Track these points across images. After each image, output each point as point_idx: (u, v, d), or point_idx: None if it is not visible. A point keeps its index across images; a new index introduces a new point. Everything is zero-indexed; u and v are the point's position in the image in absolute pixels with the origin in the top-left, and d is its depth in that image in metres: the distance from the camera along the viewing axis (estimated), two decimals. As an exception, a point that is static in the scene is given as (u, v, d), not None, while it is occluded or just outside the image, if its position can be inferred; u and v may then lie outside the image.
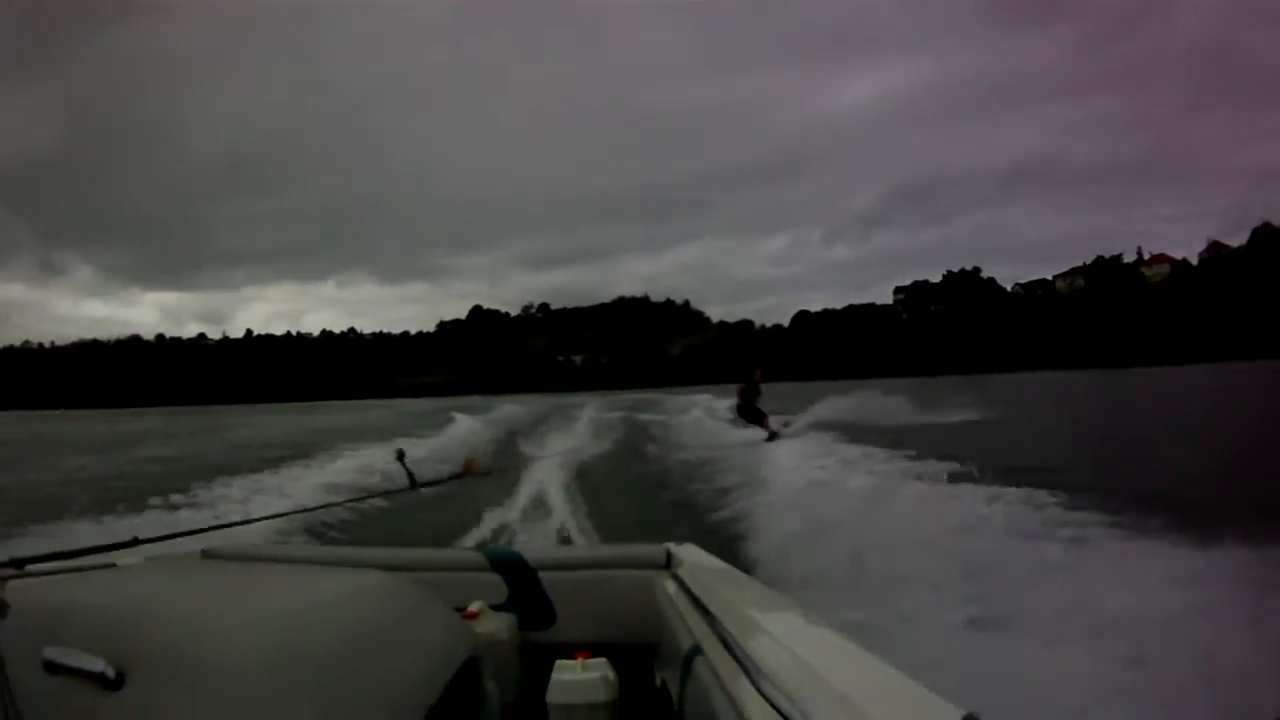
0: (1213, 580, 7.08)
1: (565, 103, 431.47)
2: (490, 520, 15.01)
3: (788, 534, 11.51)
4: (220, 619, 2.22)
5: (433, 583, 3.54)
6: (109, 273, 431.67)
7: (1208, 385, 63.26)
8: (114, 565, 2.68)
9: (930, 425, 26.16)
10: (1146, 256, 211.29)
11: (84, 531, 12.23)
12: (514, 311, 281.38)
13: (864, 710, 2.03)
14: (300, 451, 27.75)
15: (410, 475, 4.73)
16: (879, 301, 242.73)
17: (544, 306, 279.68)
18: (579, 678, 3.48)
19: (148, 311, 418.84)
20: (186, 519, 13.37)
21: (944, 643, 6.43)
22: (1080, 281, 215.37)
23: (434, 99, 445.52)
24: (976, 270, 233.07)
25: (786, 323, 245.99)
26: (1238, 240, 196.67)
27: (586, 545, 12.36)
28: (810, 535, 10.98)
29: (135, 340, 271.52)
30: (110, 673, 1.95)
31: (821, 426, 25.41)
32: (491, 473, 14.32)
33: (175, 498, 16.44)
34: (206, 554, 4.33)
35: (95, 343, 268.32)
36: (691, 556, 4.36)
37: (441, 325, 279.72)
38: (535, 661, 3.83)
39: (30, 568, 2.17)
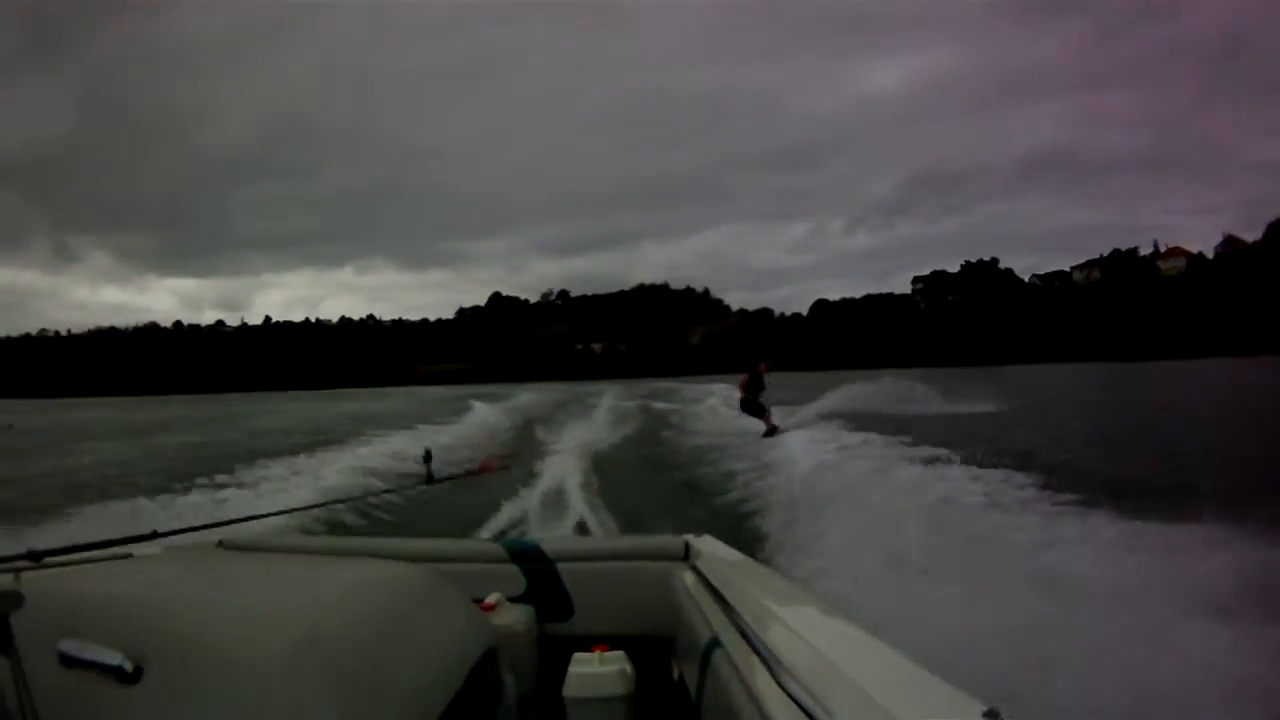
0: (1143, 549, 8.25)
1: (587, 89, 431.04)
2: (508, 510, 14.99)
3: (790, 508, 12.97)
4: (238, 610, 2.24)
5: (451, 574, 3.51)
6: (125, 259, 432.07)
7: (1218, 379, 63.36)
8: (130, 556, 2.70)
9: (929, 416, 26.36)
10: (1162, 250, 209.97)
11: (104, 522, 12.31)
12: (533, 299, 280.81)
13: (884, 705, 2.01)
14: (332, 437, 28.61)
15: (430, 472, 4.76)
16: (897, 291, 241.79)
17: (563, 294, 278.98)
18: (596, 671, 3.51)
19: (165, 298, 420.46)
20: (205, 510, 13.40)
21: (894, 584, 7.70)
22: (1096, 274, 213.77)
23: (454, 84, 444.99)
24: (994, 261, 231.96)
25: (806, 311, 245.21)
26: (1253, 234, 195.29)
27: (605, 537, 12.28)
28: (810, 509, 12.28)
29: (153, 327, 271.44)
30: (128, 666, 1.95)
31: (825, 418, 25.62)
32: (508, 466, 14.31)
33: (220, 478, 17.41)
34: (222, 544, 4.35)
35: (113, 330, 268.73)
36: (710, 548, 4.33)
37: (461, 312, 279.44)
38: (553, 653, 3.86)
39: (47, 560, 2.19)
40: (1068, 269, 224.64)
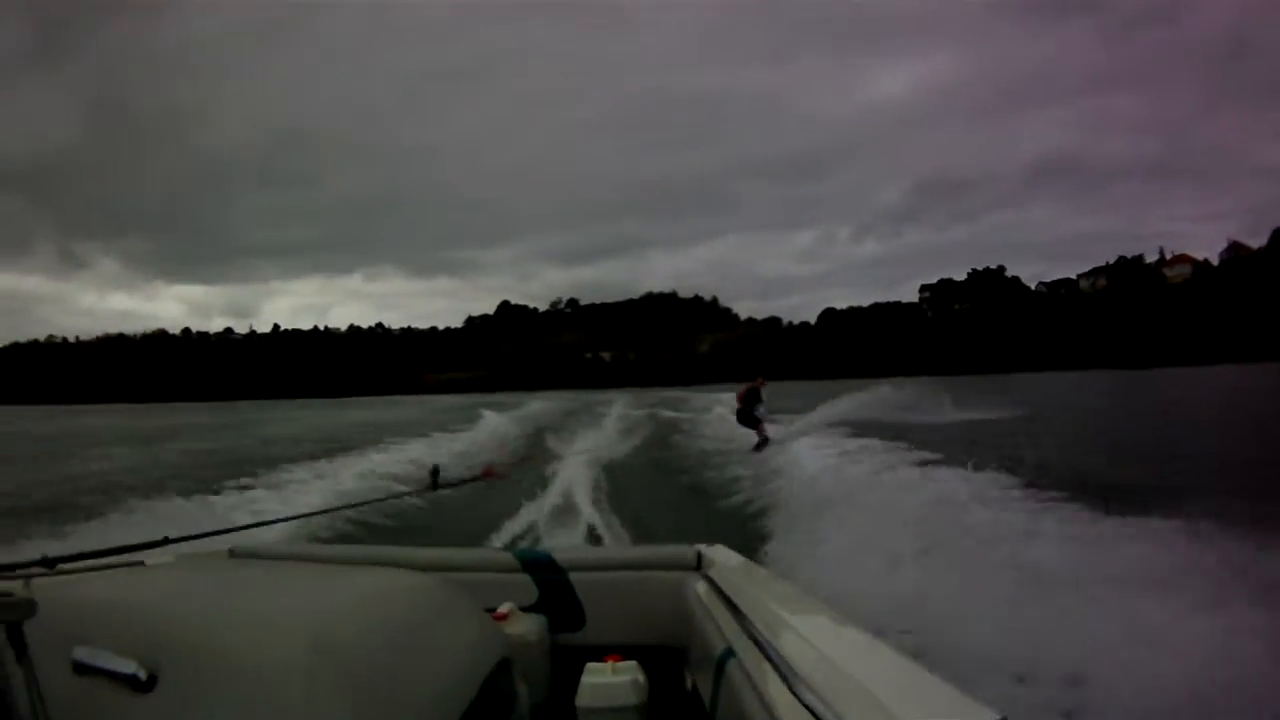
0: (1109, 542, 9.15)
1: (594, 97, 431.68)
2: (519, 520, 14.99)
3: (793, 510, 13.95)
4: (253, 619, 2.23)
5: (462, 583, 3.51)
6: (133, 266, 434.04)
7: (1221, 386, 64.18)
8: (142, 563, 2.69)
9: (929, 424, 26.53)
10: (1168, 257, 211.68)
11: (115, 528, 12.34)
12: (542, 307, 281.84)
13: (899, 714, 2.01)
14: (344, 445, 28.64)
15: (434, 480, 4.76)
16: (905, 300, 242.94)
17: (572, 302, 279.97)
18: (609, 681, 3.48)
19: (173, 305, 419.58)
20: (216, 517, 13.41)
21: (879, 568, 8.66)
22: (1103, 282, 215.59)
23: (461, 92, 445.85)
24: (1001, 269, 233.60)
25: (814, 320, 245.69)
26: (1259, 240, 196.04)
27: (616, 546, 12.27)
28: (812, 508, 13.24)
29: (161, 334, 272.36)
30: (142, 674, 1.94)
31: (819, 428, 25.97)
32: (508, 475, 14.34)
33: (245, 480, 18.06)
34: (233, 553, 4.35)
35: (121, 337, 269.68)
36: (722, 557, 4.32)
37: (470, 320, 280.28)
38: (565, 663, 3.84)
39: (61, 566, 2.18)
40: (1074, 277, 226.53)
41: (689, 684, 3.94)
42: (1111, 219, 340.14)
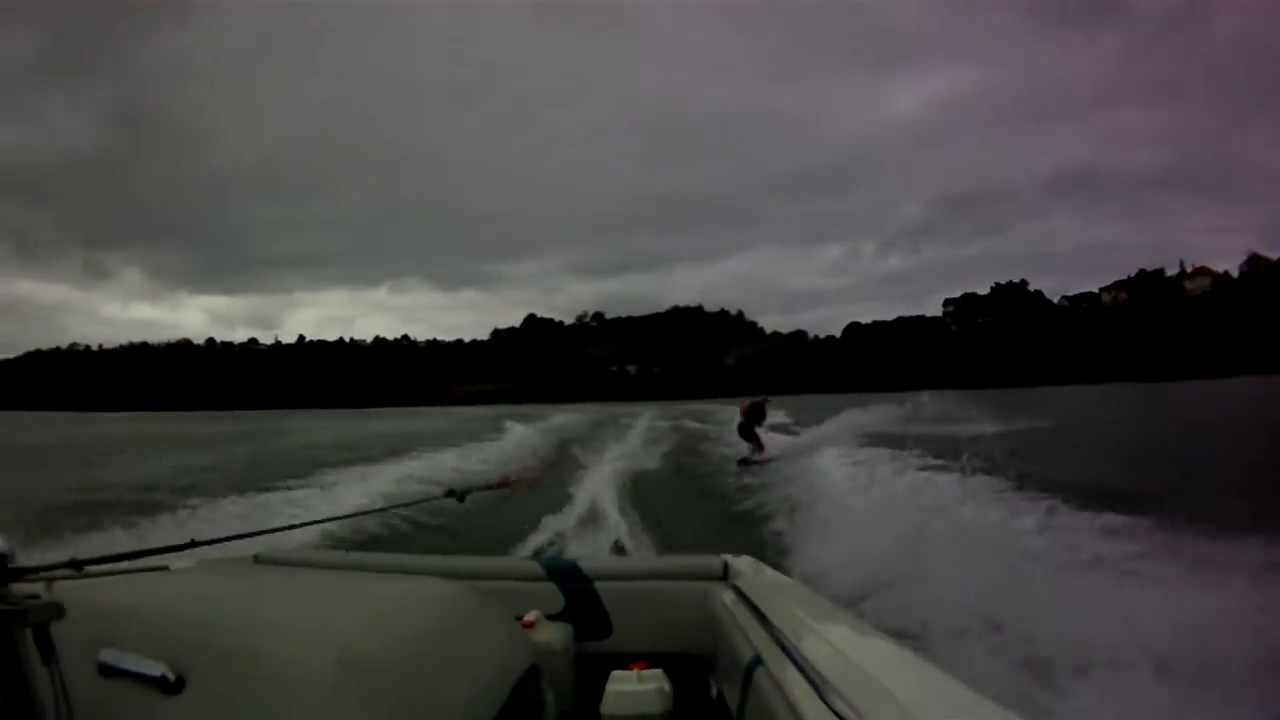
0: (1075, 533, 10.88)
1: (620, 110, 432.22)
2: (545, 529, 15.03)
3: (816, 516, 14.84)
4: (282, 625, 2.23)
5: (489, 591, 3.47)
6: (157, 276, 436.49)
7: (1236, 398, 64.43)
8: (166, 568, 2.71)
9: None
10: (1188, 270, 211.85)
11: (140, 532, 12.45)
12: (568, 320, 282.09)
13: None
14: (374, 454, 29.17)
15: (452, 491, 4.78)
16: (929, 313, 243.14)
17: (598, 315, 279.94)
18: (634, 689, 3.48)
19: (197, 315, 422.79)
20: (240, 522, 13.50)
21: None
22: (1124, 295, 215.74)
23: (488, 105, 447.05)
24: (1024, 283, 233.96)
25: (839, 334, 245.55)
26: (1279, 252, 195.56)
27: (642, 556, 12.32)
28: (820, 509, 15.01)
29: (185, 344, 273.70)
30: (170, 676, 1.94)
31: (832, 441, 26.10)
32: (528, 484, 14.38)
33: (293, 482, 19.05)
34: (258, 559, 4.37)
35: (145, 345, 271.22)
36: (748, 568, 4.33)
37: (496, 333, 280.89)
38: (590, 672, 3.83)
39: (88, 569, 2.17)
40: (1096, 290, 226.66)
41: (714, 692, 3.93)
42: (1133, 230, 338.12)
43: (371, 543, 12.83)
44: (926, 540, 10.57)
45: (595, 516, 16.31)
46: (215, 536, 3.21)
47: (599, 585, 4.29)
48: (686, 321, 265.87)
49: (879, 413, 30.58)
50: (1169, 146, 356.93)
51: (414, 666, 2.27)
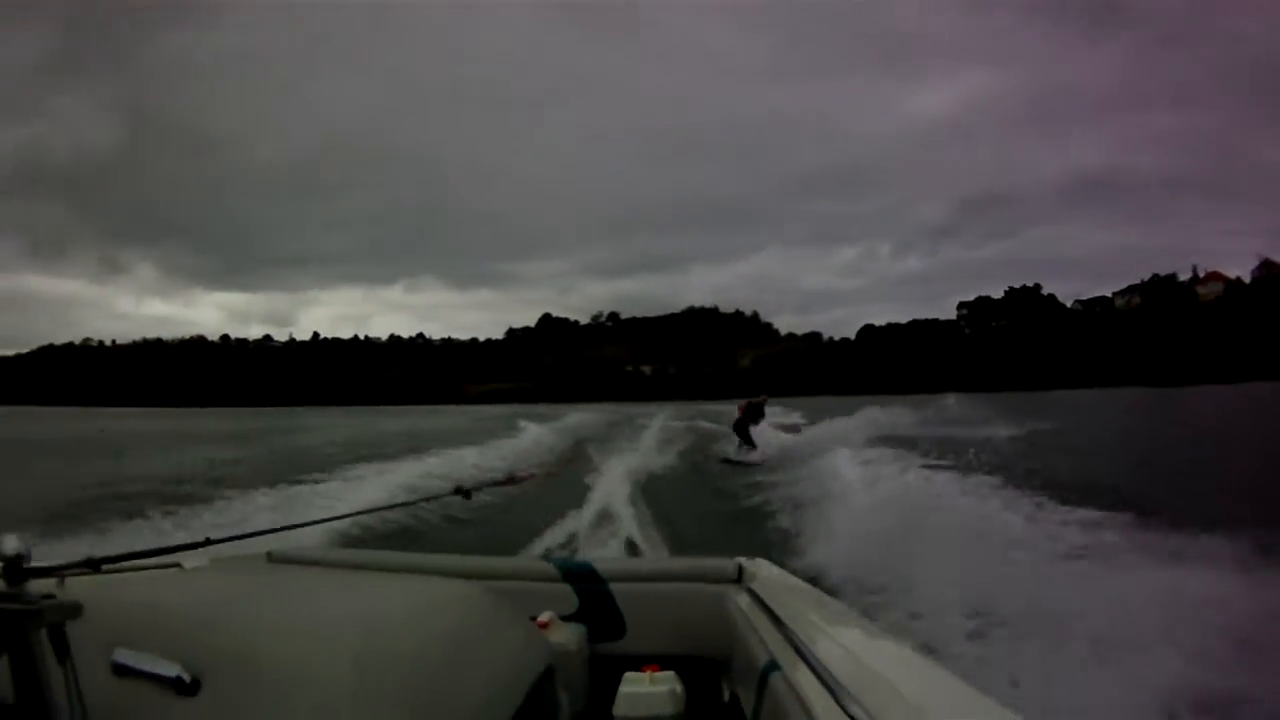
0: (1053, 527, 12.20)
1: (635, 109, 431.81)
2: (560, 529, 15.06)
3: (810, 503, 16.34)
4: (298, 626, 2.22)
5: (503, 591, 3.46)
6: (171, 272, 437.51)
7: (1239, 404, 65.32)
8: (179, 566, 2.71)
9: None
10: (1201, 275, 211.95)
11: (154, 529, 12.52)
12: (583, 320, 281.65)
13: None
14: (409, 447, 30.09)
15: (460, 488, 4.80)
16: (943, 316, 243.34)
17: (613, 315, 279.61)
18: (647, 690, 3.48)
19: (210, 312, 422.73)
20: (253, 520, 13.56)
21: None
22: (1137, 299, 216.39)
23: (504, 105, 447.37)
24: (1037, 287, 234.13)
25: (854, 335, 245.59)
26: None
27: (657, 557, 12.32)
28: (825, 506, 15.71)
29: (200, 340, 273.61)
30: (186, 677, 1.93)
31: (833, 443, 26.33)
32: (538, 475, 14.40)
33: (319, 475, 19.90)
34: (271, 557, 4.37)
35: (159, 342, 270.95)
36: (763, 571, 4.32)
37: (511, 332, 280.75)
38: (603, 673, 3.83)
39: (105, 567, 2.18)
40: (1109, 294, 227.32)
41: (726, 695, 3.94)
42: (1147, 234, 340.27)
43: (384, 541, 12.83)
44: (923, 530, 11.67)
45: (609, 516, 16.32)
46: (229, 534, 3.22)
47: (613, 586, 4.29)
48: (702, 322, 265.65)
49: (892, 414, 31.44)
50: (1182, 150, 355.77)
51: (432, 667, 2.26)
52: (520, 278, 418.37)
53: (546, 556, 11.43)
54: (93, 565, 2.13)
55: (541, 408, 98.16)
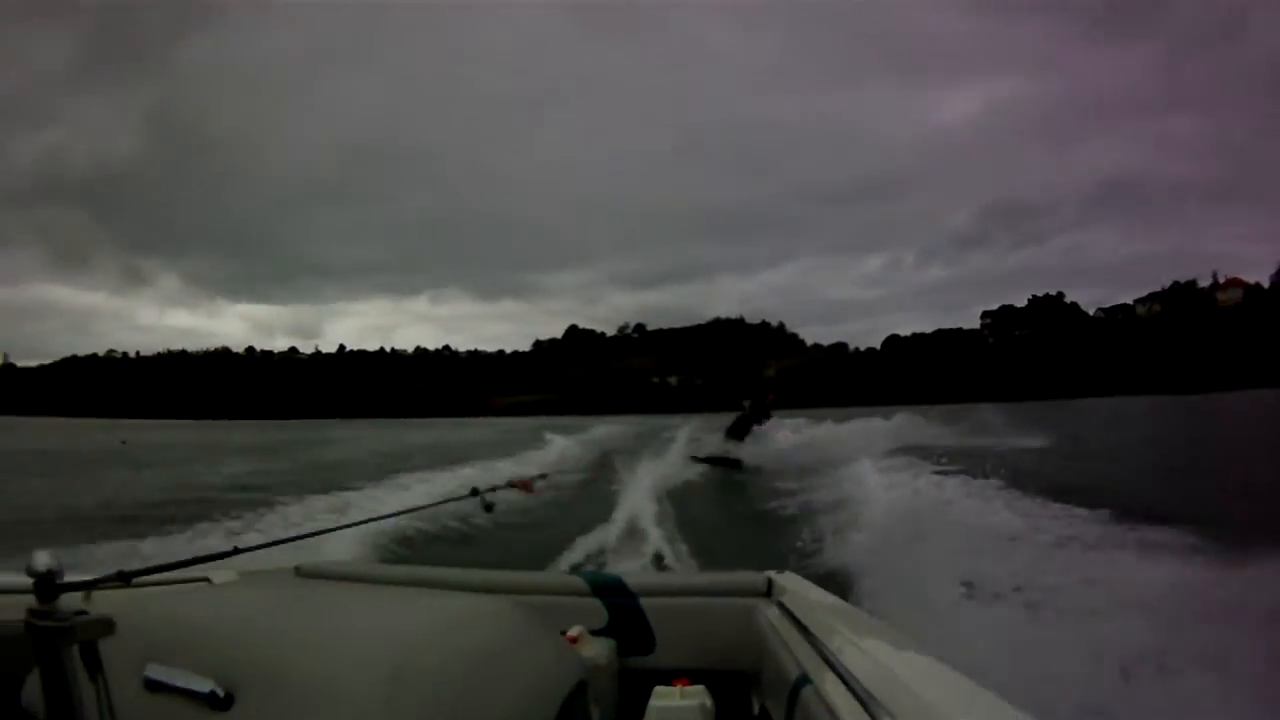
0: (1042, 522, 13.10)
1: (661, 120, 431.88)
2: (587, 542, 15.05)
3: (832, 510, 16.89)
4: (332, 642, 2.24)
5: (533, 606, 3.51)
6: (195, 284, 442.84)
7: (1257, 410, 64.96)
8: (208, 580, 2.74)
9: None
10: (1221, 281, 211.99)
11: (182, 541, 12.61)
12: (610, 331, 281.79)
13: None
14: (439, 459, 30.64)
15: (475, 491, 4.83)
16: (966, 326, 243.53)
17: (640, 327, 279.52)
18: (676, 704, 3.48)
19: (235, 324, 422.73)
20: (279, 530, 13.64)
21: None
22: (1157, 307, 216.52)
23: (530, 115, 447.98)
24: (1060, 295, 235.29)
25: (879, 345, 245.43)
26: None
27: (686, 571, 12.30)
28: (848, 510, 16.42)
29: (224, 352, 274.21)
30: (220, 692, 1.94)
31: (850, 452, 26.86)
32: (547, 476, 14.47)
33: (349, 488, 20.18)
34: (300, 571, 4.39)
35: (183, 353, 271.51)
36: (793, 585, 4.31)
37: (537, 344, 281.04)
38: (633, 687, 3.84)
39: (136, 580, 2.21)
40: (1131, 302, 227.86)
41: (756, 708, 3.94)
42: (1172, 240, 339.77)
43: (412, 557, 12.91)
44: (930, 527, 12.87)
45: (636, 530, 16.27)
46: (256, 544, 3.26)
47: (643, 601, 4.29)
48: (728, 333, 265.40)
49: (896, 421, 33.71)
50: (1204, 155, 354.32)
51: (464, 683, 2.28)
52: (546, 289, 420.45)
53: (576, 571, 11.44)
54: (123, 579, 2.17)
55: (567, 420, 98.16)
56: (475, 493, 4.85)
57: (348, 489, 20.32)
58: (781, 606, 3.92)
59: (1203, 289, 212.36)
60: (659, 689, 3.57)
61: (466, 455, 32.65)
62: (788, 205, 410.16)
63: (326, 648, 2.16)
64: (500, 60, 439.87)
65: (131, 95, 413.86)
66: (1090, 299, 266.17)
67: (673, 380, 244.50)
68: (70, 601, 1.81)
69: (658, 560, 13.99)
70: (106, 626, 1.80)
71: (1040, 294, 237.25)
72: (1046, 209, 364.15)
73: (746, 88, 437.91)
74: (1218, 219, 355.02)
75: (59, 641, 1.75)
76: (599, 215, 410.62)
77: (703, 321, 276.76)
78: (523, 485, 6.19)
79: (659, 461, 31.52)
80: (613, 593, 4.32)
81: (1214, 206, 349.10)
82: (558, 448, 40.18)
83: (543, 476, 7.24)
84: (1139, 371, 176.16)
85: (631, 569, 12.80)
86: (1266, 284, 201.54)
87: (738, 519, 19.88)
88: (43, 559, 1.74)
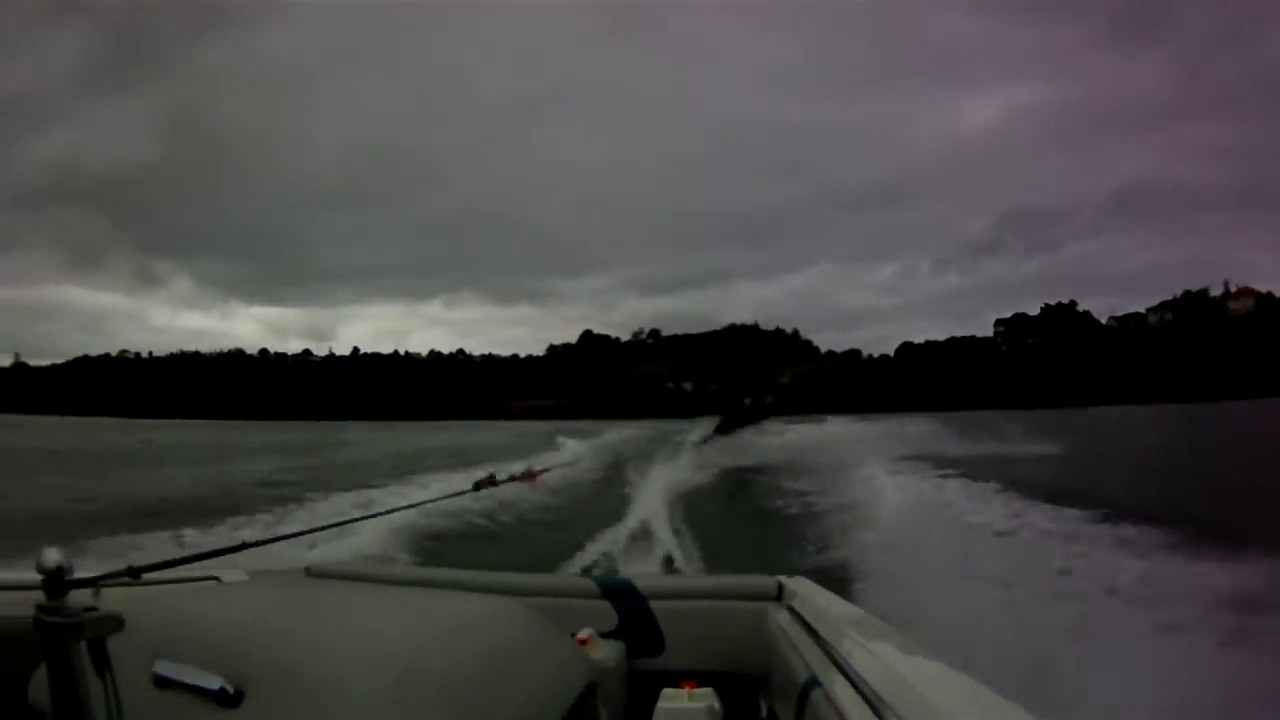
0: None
1: (678, 125, 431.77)
2: (598, 544, 15.12)
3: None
4: (343, 642, 2.24)
5: (543, 608, 3.53)
6: (208, 285, 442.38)
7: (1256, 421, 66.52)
8: (217, 578, 2.74)
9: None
10: (1233, 290, 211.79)
11: (190, 539, 12.66)
12: (624, 337, 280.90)
13: None
14: (465, 459, 31.90)
15: (478, 483, 4.87)
16: (979, 334, 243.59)
17: (654, 332, 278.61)
18: (685, 707, 3.47)
19: (248, 325, 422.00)
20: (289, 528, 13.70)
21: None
22: (1169, 315, 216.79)
23: (546, 118, 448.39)
24: (1073, 304, 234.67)
25: (892, 353, 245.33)
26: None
27: (696, 575, 12.31)
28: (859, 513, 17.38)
29: (238, 354, 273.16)
30: (230, 689, 1.95)
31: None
32: (550, 469, 14.52)
33: (366, 488, 20.97)
34: (310, 571, 4.38)
35: (196, 354, 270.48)
36: (803, 589, 4.28)
37: (551, 349, 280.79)
38: (642, 689, 3.83)
39: (145, 577, 2.20)
40: (1143, 311, 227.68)
41: (764, 711, 3.94)
42: (1187, 249, 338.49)
43: (422, 557, 12.94)
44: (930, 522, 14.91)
45: (647, 533, 16.35)
46: (266, 544, 3.26)
47: (653, 604, 4.28)
48: (743, 339, 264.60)
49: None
50: (1217, 163, 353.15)
51: (476, 685, 2.28)
52: (561, 294, 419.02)
53: (586, 573, 11.45)
54: (133, 574, 2.16)
55: (582, 424, 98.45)
56: (477, 487, 4.86)
57: (370, 486, 20.57)
58: (791, 611, 3.92)
59: (1214, 298, 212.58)
60: (667, 691, 3.56)
61: (482, 457, 32.70)
62: (804, 211, 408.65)
63: (336, 647, 2.16)
64: (517, 64, 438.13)
65: (146, 97, 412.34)
66: (1104, 307, 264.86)
67: (687, 386, 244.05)
68: (79, 598, 1.80)
69: (668, 563, 14.03)
70: (115, 623, 1.79)
71: (1053, 302, 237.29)
72: (1062, 216, 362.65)
73: (765, 93, 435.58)
74: (1234, 227, 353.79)
75: (67, 638, 1.75)
76: (615, 220, 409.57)
77: (718, 328, 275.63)
78: (525, 477, 6.23)
79: (671, 465, 31.67)
80: (623, 595, 4.31)
81: (1230, 215, 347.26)
82: (571, 451, 40.34)
83: (545, 470, 7.27)
84: (1150, 380, 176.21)
85: (641, 572, 12.84)
86: (1279, 293, 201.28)
87: (748, 522, 19.95)
88: (52, 555, 1.73)
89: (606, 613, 4.24)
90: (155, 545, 12.63)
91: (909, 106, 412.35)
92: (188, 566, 2.62)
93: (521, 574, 4.92)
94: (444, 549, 13.96)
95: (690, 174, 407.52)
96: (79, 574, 1.84)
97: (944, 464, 23.43)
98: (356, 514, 16.19)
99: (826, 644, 3.19)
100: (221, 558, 2.84)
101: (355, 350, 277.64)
